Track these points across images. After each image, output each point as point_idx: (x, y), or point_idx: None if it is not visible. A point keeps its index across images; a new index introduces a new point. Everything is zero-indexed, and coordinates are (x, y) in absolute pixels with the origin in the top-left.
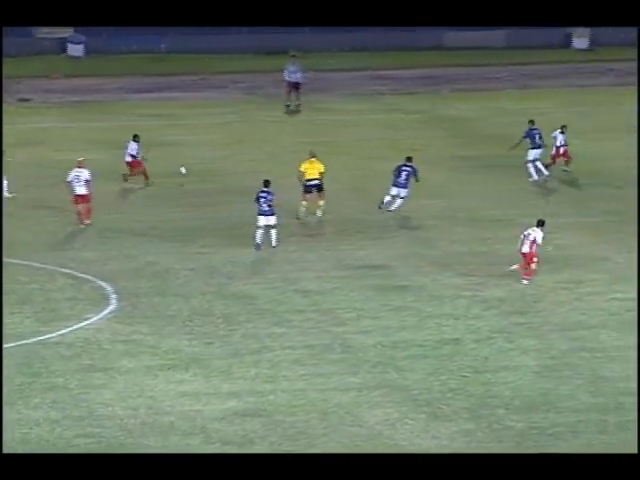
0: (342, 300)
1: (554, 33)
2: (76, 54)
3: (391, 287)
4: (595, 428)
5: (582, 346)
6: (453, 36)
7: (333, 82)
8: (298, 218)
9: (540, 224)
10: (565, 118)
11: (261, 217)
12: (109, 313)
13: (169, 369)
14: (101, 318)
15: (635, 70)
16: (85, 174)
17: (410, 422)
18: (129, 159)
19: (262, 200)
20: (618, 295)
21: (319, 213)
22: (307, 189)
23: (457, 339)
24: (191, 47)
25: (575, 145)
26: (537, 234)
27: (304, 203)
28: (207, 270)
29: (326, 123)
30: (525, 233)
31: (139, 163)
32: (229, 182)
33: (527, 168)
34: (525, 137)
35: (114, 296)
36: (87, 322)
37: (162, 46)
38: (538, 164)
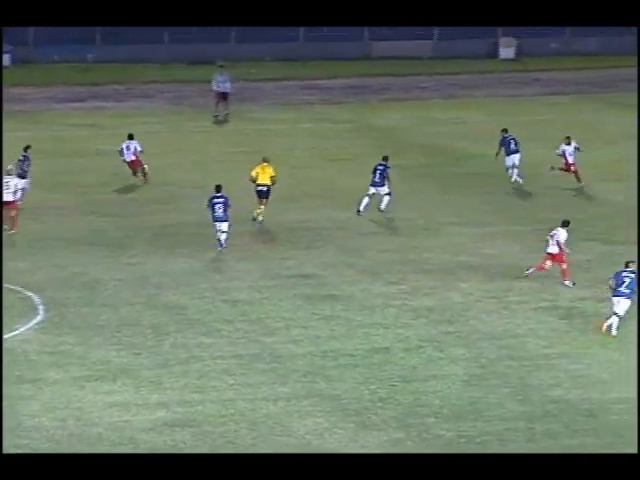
0: (271, 310)
1: (481, 43)
2: (3, 63)
3: (320, 296)
4: (523, 436)
5: (510, 354)
6: (381, 46)
7: (262, 92)
8: (254, 220)
9: (565, 224)
10: (491, 128)
11: (216, 223)
12: (37, 324)
13: (97, 380)
14: (29, 329)
15: (560, 80)
16: (15, 182)
17: (339, 431)
18: (132, 158)
19: (217, 206)
20: (545, 304)
21: (260, 218)
22: (258, 194)
23: (386, 348)
24: (118, 57)
25: (501, 155)
26: (561, 234)
27: (261, 207)
28: (136, 280)
29: (255, 133)
30: (551, 234)
31: (140, 161)
32: (158, 192)
33: (510, 175)
34: (501, 145)
35: (42, 307)
36: (14, 333)
37: (89, 56)
38: (515, 171)
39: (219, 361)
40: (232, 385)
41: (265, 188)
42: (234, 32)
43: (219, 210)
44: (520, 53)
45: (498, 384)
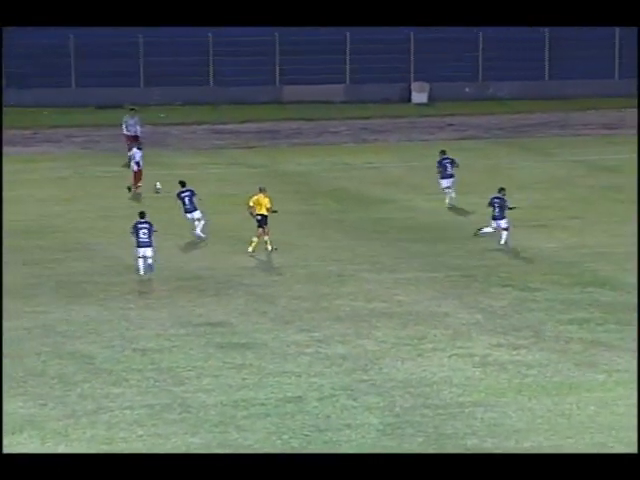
0: (181, 358)
1: (393, 87)
2: None
3: (231, 344)
4: None
5: (425, 403)
6: (292, 90)
7: (171, 136)
8: (249, 252)
9: None
10: (404, 173)
11: (140, 249)
12: None
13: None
14: None
15: (473, 124)
16: None
17: None
18: (136, 168)
19: (141, 231)
20: (460, 351)
21: (268, 247)
22: (258, 223)
23: (299, 397)
24: (25, 101)
25: (414, 201)
26: None
27: (255, 239)
28: (42, 329)
29: (165, 177)
30: None
31: (140, 172)
32: (65, 238)
33: (446, 194)
34: (438, 167)
35: None
36: None
37: None
38: (451, 191)
39: (128, 412)
40: (141, 436)
41: (261, 218)
42: (143, 76)
43: (144, 236)
44: (433, 98)
45: (412, 433)
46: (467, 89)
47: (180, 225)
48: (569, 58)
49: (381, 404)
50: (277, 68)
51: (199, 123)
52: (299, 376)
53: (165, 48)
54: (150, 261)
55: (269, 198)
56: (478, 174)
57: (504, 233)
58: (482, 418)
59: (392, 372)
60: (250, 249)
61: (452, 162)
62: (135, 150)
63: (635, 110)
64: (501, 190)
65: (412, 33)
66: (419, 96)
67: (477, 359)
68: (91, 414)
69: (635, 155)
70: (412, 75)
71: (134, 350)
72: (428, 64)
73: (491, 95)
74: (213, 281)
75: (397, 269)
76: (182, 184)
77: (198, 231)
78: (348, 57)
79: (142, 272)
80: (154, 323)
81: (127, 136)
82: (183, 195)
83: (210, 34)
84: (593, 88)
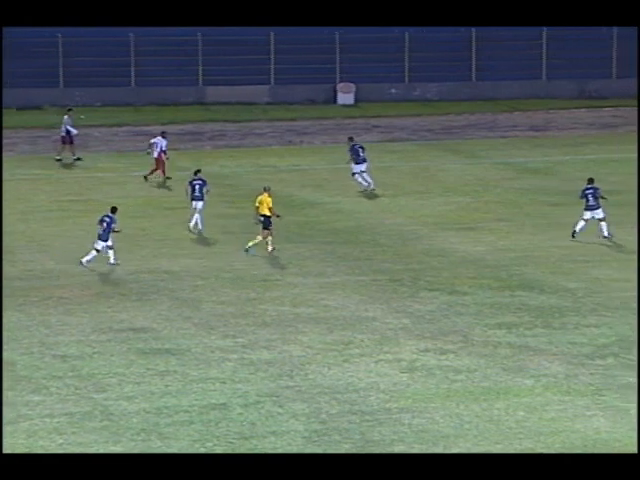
0: (103, 365)
1: (319, 89)
2: None
3: (154, 350)
4: None
5: (351, 409)
6: (215, 91)
7: (92, 138)
8: (246, 251)
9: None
10: (331, 175)
11: (99, 241)
12: None
13: None
14: None
15: (400, 126)
16: None
17: None
18: (159, 155)
19: (104, 224)
20: (387, 356)
21: (269, 248)
22: (263, 224)
23: (224, 404)
24: None
25: (341, 203)
26: None
27: (259, 238)
28: None
29: (85, 180)
30: None
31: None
32: None
33: (355, 179)
34: (350, 152)
35: None
36: None
37: None
38: (365, 175)
39: (48, 420)
40: (62, 445)
41: (265, 218)
42: (62, 76)
43: (102, 231)
44: (359, 99)
45: (339, 440)
46: (393, 90)
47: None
48: (496, 59)
49: (307, 411)
50: (200, 69)
51: (120, 125)
52: (224, 382)
53: (85, 48)
54: (111, 252)
55: (271, 198)
56: (406, 176)
57: (603, 225)
58: (409, 424)
59: (318, 378)
60: (250, 243)
61: (362, 148)
62: (159, 138)
63: (562, 112)
64: (591, 180)
65: (337, 33)
66: (345, 97)
67: (404, 364)
68: (10, 423)
69: (565, 157)
70: (338, 76)
71: (54, 357)
72: (354, 65)
73: (418, 96)
74: (136, 286)
75: (324, 273)
76: (196, 172)
77: (197, 222)
78: (273, 57)
79: (88, 257)
80: (75, 329)
81: (63, 137)
82: (194, 182)
83: (131, 34)
84: (520, 89)
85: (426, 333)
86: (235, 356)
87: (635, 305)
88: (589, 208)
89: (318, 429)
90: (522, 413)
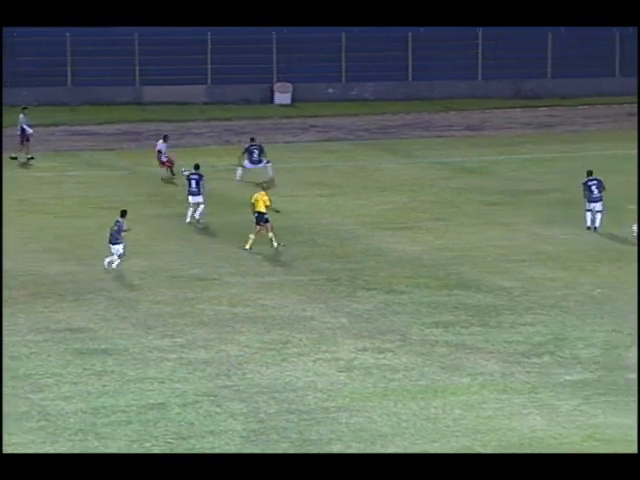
0: (40, 365)
1: (256, 88)
2: None
3: (92, 351)
4: None
5: (289, 408)
6: (152, 91)
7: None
8: (250, 248)
9: None
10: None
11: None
12: None
13: None
14: None
15: (337, 126)
16: None
17: None
18: (164, 158)
19: (114, 228)
20: (325, 355)
21: (274, 244)
22: (256, 221)
23: (162, 404)
24: None
25: (278, 202)
26: None
27: (251, 236)
28: None
29: (21, 180)
30: None
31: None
32: None
33: (238, 171)
34: (244, 152)
35: None
36: None
37: None
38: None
39: None
40: None
41: (260, 215)
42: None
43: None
44: (296, 99)
45: (277, 439)
46: (330, 90)
47: (42, 229)
48: (432, 59)
49: (245, 410)
50: (137, 68)
51: (57, 124)
52: (161, 382)
53: (20, 47)
54: (116, 260)
55: (269, 196)
56: (343, 176)
57: (598, 216)
58: (347, 423)
59: (256, 377)
60: (247, 246)
61: (261, 150)
62: (161, 142)
63: (498, 112)
64: (591, 172)
65: (274, 33)
66: (282, 97)
67: (342, 363)
68: None
69: (501, 157)
70: (275, 76)
71: None
72: (291, 65)
73: (355, 96)
74: (73, 286)
75: (261, 273)
76: (196, 167)
77: (197, 215)
78: (209, 57)
79: (106, 266)
80: (11, 329)
81: (21, 135)
82: (192, 177)
83: (68, 33)
84: (456, 89)
85: (364, 332)
86: (173, 356)
87: (567, 304)
88: (593, 200)
89: (256, 428)
90: (459, 411)
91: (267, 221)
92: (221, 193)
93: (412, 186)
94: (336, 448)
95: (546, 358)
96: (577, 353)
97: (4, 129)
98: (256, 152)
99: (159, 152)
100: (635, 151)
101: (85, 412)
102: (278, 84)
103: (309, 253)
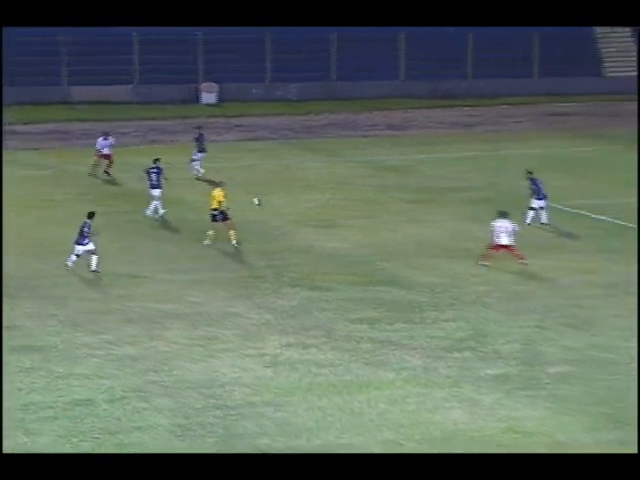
0: None
1: (182, 88)
2: None
3: (19, 348)
4: None
5: (216, 404)
6: (80, 90)
7: None
8: (209, 242)
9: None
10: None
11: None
12: None
13: None
14: None
15: (262, 125)
16: None
17: None
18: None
19: (84, 230)
20: (251, 351)
21: (233, 242)
22: (211, 218)
23: (90, 400)
24: None
25: (204, 201)
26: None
27: (210, 232)
28: None
29: None
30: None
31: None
32: None
33: (192, 166)
34: (196, 141)
35: None
36: None
37: None
38: (198, 165)
39: None
40: None
41: (216, 212)
42: None
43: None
44: (222, 98)
45: (203, 434)
46: (254, 90)
47: None
48: (355, 60)
49: (172, 405)
50: (65, 68)
51: None
52: (89, 378)
53: None
54: (94, 257)
55: (223, 192)
56: (268, 174)
57: (543, 213)
58: (273, 418)
59: (183, 373)
60: (206, 241)
61: (203, 139)
62: (102, 139)
63: (420, 111)
64: (531, 172)
65: (200, 33)
66: (208, 97)
67: (268, 359)
68: None
69: (423, 156)
70: (201, 76)
71: None
72: (217, 65)
73: (280, 96)
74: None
75: (189, 270)
76: (155, 160)
77: (150, 211)
78: (136, 57)
79: (70, 264)
80: None
81: None
82: (151, 171)
83: None
84: (379, 89)
85: (289, 328)
86: (101, 352)
87: (489, 300)
88: (540, 198)
89: (183, 424)
90: (383, 405)
91: (225, 218)
92: (132, 190)
93: (336, 184)
94: (262, 442)
95: (468, 353)
96: (498, 348)
97: None
98: (202, 141)
99: (98, 150)
100: (556, 150)
101: (13, 409)
102: (204, 84)
103: (235, 251)
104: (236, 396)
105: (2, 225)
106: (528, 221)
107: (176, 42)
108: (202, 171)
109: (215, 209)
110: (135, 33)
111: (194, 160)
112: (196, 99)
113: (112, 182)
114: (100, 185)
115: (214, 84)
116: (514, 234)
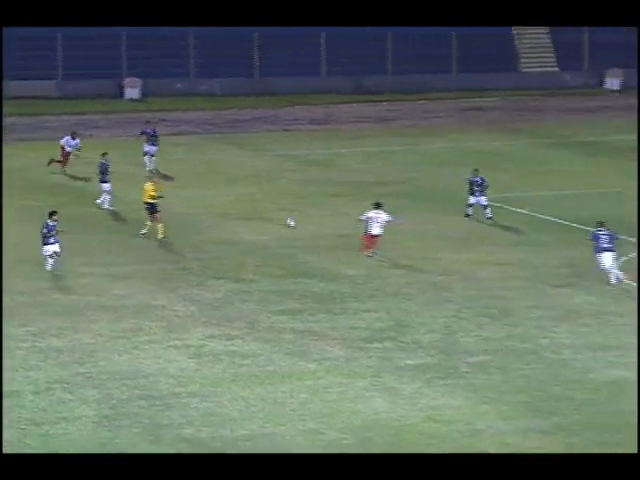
0: None
1: (106, 83)
2: None
3: None
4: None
5: (141, 394)
6: (9, 85)
7: None
8: (143, 234)
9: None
10: (119, 167)
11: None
12: None
13: None
14: None
15: (186, 120)
16: None
17: None
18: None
19: (49, 229)
20: (175, 342)
21: (160, 235)
22: (147, 211)
23: (16, 391)
24: None
25: (129, 194)
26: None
27: (147, 223)
28: None
29: None
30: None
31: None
32: None
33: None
34: (145, 135)
35: None
36: None
37: None
38: (151, 159)
39: None
40: None
41: (148, 205)
42: None
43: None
44: (146, 93)
45: (129, 424)
46: (179, 85)
47: None
48: (278, 56)
49: (97, 396)
50: None
51: None
52: (15, 370)
53: None
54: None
55: (155, 185)
56: (192, 168)
57: (488, 210)
58: (197, 408)
59: (108, 365)
60: (143, 231)
61: (154, 134)
62: (68, 138)
63: (341, 106)
64: (477, 170)
65: (124, 32)
66: (131, 92)
67: (192, 350)
68: None
69: (344, 150)
70: (124, 71)
71: None
72: (140, 60)
73: (203, 91)
74: None
75: (113, 263)
76: (103, 154)
77: (101, 200)
78: (60, 53)
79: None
80: None
81: None
82: (101, 164)
83: None
84: (301, 85)
85: (213, 320)
86: (26, 344)
87: (409, 291)
88: (474, 194)
89: (108, 414)
90: (305, 395)
91: (154, 211)
92: (73, 185)
93: (259, 178)
94: (187, 432)
95: (388, 343)
96: (418, 338)
97: None
98: (152, 134)
99: (62, 148)
100: (474, 144)
101: None
102: (128, 79)
103: (160, 243)
104: (161, 387)
105: (2, 224)
106: (470, 212)
107: (100, 37)
108: (152, 167)
109: (145, 202)
110: (59, 30)
111: (146, 153)
112: (120, 94)
113: (37, 174)
114: (28, 179)
115: (137, 79)
116: (387, 225)
